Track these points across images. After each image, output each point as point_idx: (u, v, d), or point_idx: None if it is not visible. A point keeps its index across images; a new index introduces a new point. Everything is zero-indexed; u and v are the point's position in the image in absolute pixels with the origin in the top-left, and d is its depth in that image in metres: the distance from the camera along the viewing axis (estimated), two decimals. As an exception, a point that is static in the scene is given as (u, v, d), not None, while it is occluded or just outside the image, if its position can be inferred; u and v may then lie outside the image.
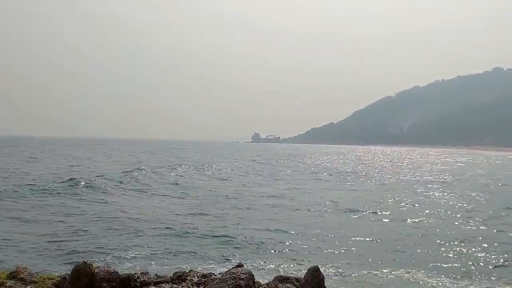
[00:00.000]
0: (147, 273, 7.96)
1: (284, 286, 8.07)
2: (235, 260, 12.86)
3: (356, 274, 12.67)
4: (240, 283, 7.29)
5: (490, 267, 13.97)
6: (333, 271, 12.86)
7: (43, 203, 23.42)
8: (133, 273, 7.72)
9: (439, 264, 14.09)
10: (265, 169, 58.32)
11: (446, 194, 33.54)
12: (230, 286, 7.21)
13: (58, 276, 7.79)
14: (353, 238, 17.34)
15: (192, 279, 7.91)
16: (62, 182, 31.11)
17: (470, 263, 14.36)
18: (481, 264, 14.27)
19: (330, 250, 15.47)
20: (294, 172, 54.75)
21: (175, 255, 14.16)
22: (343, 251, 15.49)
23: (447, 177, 50.27)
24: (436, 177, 50.97)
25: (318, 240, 16.97)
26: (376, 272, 13.01)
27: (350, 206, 26.17)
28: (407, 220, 21.84)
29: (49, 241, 15.49)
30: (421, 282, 12.20)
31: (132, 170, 42.03)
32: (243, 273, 7.52)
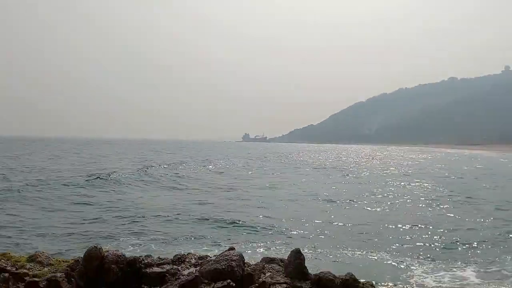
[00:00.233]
0: (151, 255, 7.82)
1: (270, 266, 7.98)
2: (228, 244, 12.73)
3: (331, 255, 12.62)
4: (232, 263, 7.19)
5: (448, 248, 13.95)
6: (312, 252, 12.81)
7: (66, 194, 23.21)
8: (138, 256, 7.57)
9: (403, 245, 14.09)
10: (256, 164, 58.22)
11: (411, 185, 33.73)
12: (223, 266, 7.11)
13: (72, 259, 7.63)
14: (330, 224, 17.31)
15: (190, 261, 7.79)
16: (86, 176, 31.08)
17: (431, 245, 14.35)
18: (441, 245, 14.27)
19: (310, 234, 15.40)
20: (281, 167, 54.72)
21: (176, 240, 14.03)
22: (322, 235, 15.44)
23: (412, 170, 50.62)
24: (402, 170, 51.29)
25: (300, 225, 16.89)
26: (348, 253, 12.97)
27: (329, 196, 26.17)
28: (377, 208, 21.88)
29: (66, 228, 15.32)
30: (386, 262, 12.14)
31: (143, 167, 41.72)
32: (235, 255, 7.43)
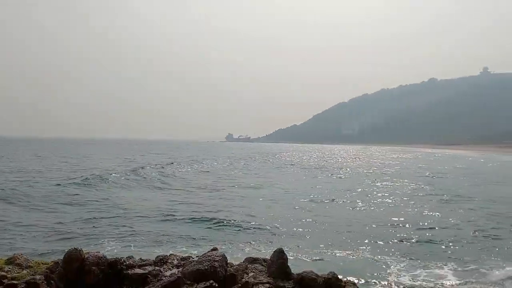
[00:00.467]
0: (132, 257, 7.72)
1: (253, 266, 7.97)
2: (211, 244, 12.67)
3: (314, 254, 12.68)
4: (214, 264, 7.15)
5: (427, 246, 14.13)
6: (295, 251, 12.83)
7: (48, 194, 22.90)
8: (119, 257, 7.47)
9: (383, 243, 14.24)
10: (240, 165, 58.14)
11: (393, 184, 34.12)
12: (206, 267, 7.08)
13: (52, 262, 7.50)
14: (313, 223, 17.39)
15: (172, 262, 7.73)
16: (69, 176, 30.87)
17: (410, 242, 14.51)
18: (420, 243, 14.44)
19: (294, 234, 15.44)
20: (265, 167, 54.78)
21: (158, 240, 13.90)
22: (305, 234, 15.50)
23: (394, 170, 51.19)
24: (385, 170, 51.84)
25: (284, 225, 16.91)
26: (331, 251, 13.06)
27: (312, 195, 26.31)
28: (359, 207, 22.06)
29: (47, 228, 15.07)
30: (365, 260, 12.28)
31: (131, 169, 41.23)
32: (218, 256, 7.40)
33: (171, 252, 9.13)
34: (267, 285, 7.39)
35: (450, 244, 14.41)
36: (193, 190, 27.98)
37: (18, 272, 6.58)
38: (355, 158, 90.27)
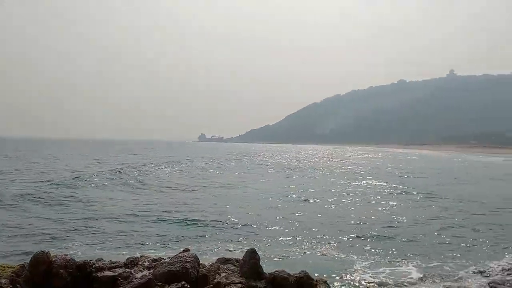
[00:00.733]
0: (102, 259, 7.59)
1: (225, 267, 7.97)
2: (183, 245, 12.58)
3: (287, 253, 12.78)
4: (186, 265, 7.12)
5: (393, 243, 14.41)
6: (268, 251, 12.90)
7: (16, 195, 22.11)
8: (88, 259, 7.33)
9: (352, 241, 14.50)
10: (215, 164, 57.80)
11: (363, 182, 34.73)
12: (178, 268, 7.03)
13: (18, 265, 7.28)
14: (286, 222, 17.48)
15: (143, 263, 7.64)
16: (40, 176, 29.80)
17: (377, 240, 14.81)
18: (387, 240, 14.73)
19: (266, 233, 15.48)
20: (239, 167, 54.71)
21: (129, 242, 13.68)
22: (278, 233, 15.56)
23: (365, 169, 52.09)
24: (356, 169, 52.69)
25: (257, 225, 16.95)
26: (302, 250, 13.20)
27: (285, 195, 26.52)
28: (331, 205, 22.32)
29: (14, 230, 14.58)
30: (333, 258, 12.47)
31: (108, 169, 40.33)
32: (189, 257, 7.36)
33: (142, 254, 9.04)
34: (239, 285, 7.40)
35: (417, 241, 14.78)
36: (166, 191, 27.71)
37: (-18, 277, 6.38)
38: (328, 158, 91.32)
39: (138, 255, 8.78)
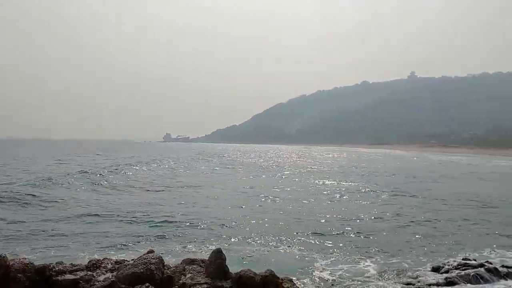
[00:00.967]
0: (62, 262, 7.38)
1: (191, 267, 7.92)
2: (148, 246, 12.38)
3: (252, 252, 12.82)
4: (151, 267, 7.03)
5: (353, 240, 14.71)
6: (234, 250, 12.87)
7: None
8: (48, 263, 7.10)
9: (314, 239, 14.68)
10: (183, 165, 57.11)
11: (330, 182, 35.25)
12: (142, 270, 6.93)
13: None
14: (252, 221, 17.50)
15: (106, 266, 7.48)
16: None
17: (337, 237, 15.05)
18: (347, 238, 15.01)
19: (233, 233, 15.45)
20: (207, 167, 54.30)
21: (91, 244, 13.31)
22: (243, 233, 15.56)
23: (332, 168, 52.90)
24: (323, 168, 53.43)
25: (223, 224, 16.89)
26: (267, 249, 13.29)
27: (253, 194, 26.62)
28: (296, 204, 22.48)
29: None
30: (295, 255, 12.63)
31: (72, 170, 39.05)
32: (154, 258, 7.27)
33: (104, 256, 8.84)
34: (205, 285, 7.37)
35: (377, 238, 15.16)
36: (131, 191, 27.17)
37: None
38: (294, 157, 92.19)
39: (100, 257, 8.59)
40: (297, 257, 12.50)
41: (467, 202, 24.38)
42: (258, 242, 14.14)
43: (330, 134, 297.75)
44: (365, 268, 11.37)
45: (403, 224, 17.82)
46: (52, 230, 15.10)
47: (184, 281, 7.19)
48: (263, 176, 42.20)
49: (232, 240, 14.34)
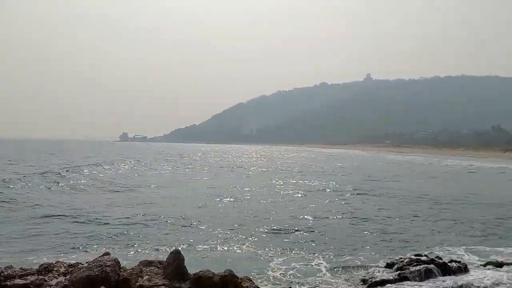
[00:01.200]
0: (12, 266, 7.05)
1: (148, 269, 7.79)
2: (103, 248, 12.04)
3: (212, 252, 12.79)
4: (106, 269, 6.84)
5: (307, 239, 14.87)
6: (193, 251, 12.79)
7: None
8: (-4, 268, 6.78)
9: (270, 237, 14.87)
10: (143, 165, 55.87)
11: (289, 181, 35.63)
12: (97, 273, 6.73)
13: None
14: (212, 221, 17.41)
15: (59, 270, 7.22)
16: None
17: (292, 236, 15.26)
18: (301, 237, 15.19)
19: (192, 233, 15.32)
20: (168, 166, 53.48)
21: (43, 247, 12.80)
22: (203, 232, 15.50)
23: (291, 167, 53.48)
24: (283, 167, 53.94)
25: (183, 224, 16.73)
26: (225, 248, 13.29)
27: (214, 194, 26.54)
28: (255, 203, 22.57)
29: None
30: (251, 255, 12.70)
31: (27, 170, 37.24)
32: (109, 260, 7.09)
33: (57, 259, 8.52)
34: (163, 287, 7.27)
35: (331, 236, 15.41)
36: (87, 191, 26.34)
37: None
38: (255, 157, 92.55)
39: (53, 261, 8.28)
40: (253, 256, 12.57)
41: (419, 200, 25.38)
42: (217, 242, 14.10)
43: (290, 134, 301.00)
44: (317, 267, 11.50)
45: (357, 221, 18.28)
46: (0, 233, 14.40)
47: (141, 283, 7.06)
48: (224, 176, 42.11)
49: (191, 240, 14.21)
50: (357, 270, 11.27)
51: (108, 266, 6.72)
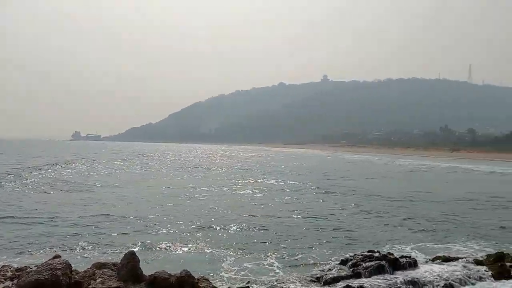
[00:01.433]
0: (-47, 273, 6.67)
1: (101, 271, 7.58)
2: (53, 251, 11.58)
3: (168, 253, 12.63)
4: (56, 272, 6.60)
5: (261, 238, 14.92)
6: (149, 252, 12.55)
7: None
8: None
9: (225, 237, 14.87)
10: (101, 164, 54.12)
11: (246, 179, 35.70)
12: (46, 276, 6.48)
13: None
14: (167, 220, 17.16)
15: (5, 274, 6.89)
16: None
17: (246, 235, 15.34)
18: (256, 236, 15.28)
19: (149, 234, 15.04)
20: (125, 166, 52.14)
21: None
22: (159, 232, 15.26)
23: (250, 167, 53.62)
24: (242, 166, 53.99)
25: (138, 224, 16.39)
26: (181, 249, 13.14)
27: (172, 193, 26.28)
28: (212, 202, 22.44)
29: None
30: (205, 254, 12.68)
31: None
32: (60, 263, 6.84)
33: (3, 263, 8.11)
34: (117, 289, 7.09)
35: (284, 234, 15.54)
36: (39, 191, 25.20)
37: None
38: (214, 157, 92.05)
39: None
40: (208, 256, 12.49)
41: (374, 198, 26.20)
42: (174, 242, 13.89)
43: (249, 133, 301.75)
44: (270, 267, 11.53)
45: (313, 220, 18.56)
46: None
47: (94, 286, 6.86)
48: (182, 175, 41.62)
49: (147, 241, 13.92)
50: (311, 268, 11.41)
51: (59, 269, 6.49)
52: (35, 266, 6.94)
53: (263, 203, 23.33)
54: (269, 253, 12.88)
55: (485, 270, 10.93)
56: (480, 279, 10.57)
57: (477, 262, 11.62)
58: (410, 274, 10.48)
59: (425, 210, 21.73)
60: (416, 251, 13.45)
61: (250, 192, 28.18)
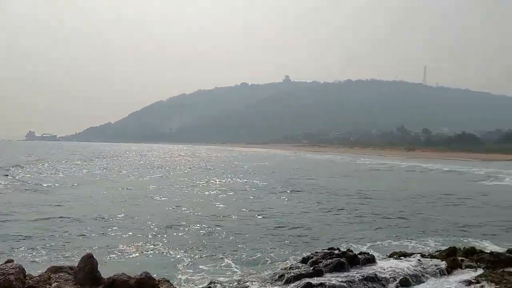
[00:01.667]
0: None
1: (57, 275, 7.33)
2: (5, 255, 11.09)
3: (128, 255, 12.38)
4: (9, 277, 6.32)
5: (220, 239, 14.89)
6: (108, 254, 12.24)
7: None
8: None
9: (183, 237, 14.79)
10: (61, 164, 52.17)
11: (207, 179, 35.53)
12: (-2, 282, 6.19)
13: None
14: (127, 222, 16.82)
15: (-48, 281, 6.51)
16: None
17: (209, 235, 15.30)
18: (216, 236, 15.26)
19: (107, 235, 14.69)
20: (85, 166, 50.52)
21: None
22: (117, 234, 14.93)
23: (213, 167, 53.38)
24: (205, 166, 53.66)
25: (97, 226, 15.95)
26: (140, 250, 12.96)
27: (132, 194, 25.84)
28: (172, 202, 22.19)
29: None
30: (162, 256, 12.55)
31: None
32: (13, 268, 6.56)
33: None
34: (73, 293, 6.87)
35: (241, 235, 15.48)
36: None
37: None
38: (176, 157, 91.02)
39: None
40: (165, 257, 12.34)
41: (336, 196, 26.75)
42: (133, 244, 13.60)
43: (211, 133, 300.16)
44: (226, 268, 11.49)
45: (274, 219, 18.67)
46: None
47: (50, 291, 6.63)
48: (143, 176, 40.86)
49: (106, 243, 13.58)
50: (269, 267, 11.40)
51: (12, 274, 6.22)
52: (-15, 272, 6.62)
53: (225, 203, 23.26)
54: (227, 254, 12.80)
55: (438, 265, 11.39)
56: (434, 272, 11.00)
57: (432, 257, 12.09)
58: (369, 269, 10.75)
59: (383, 208, 22.39)
60: (374, 248, 13.82)
61: (213, 192, 28.06)
